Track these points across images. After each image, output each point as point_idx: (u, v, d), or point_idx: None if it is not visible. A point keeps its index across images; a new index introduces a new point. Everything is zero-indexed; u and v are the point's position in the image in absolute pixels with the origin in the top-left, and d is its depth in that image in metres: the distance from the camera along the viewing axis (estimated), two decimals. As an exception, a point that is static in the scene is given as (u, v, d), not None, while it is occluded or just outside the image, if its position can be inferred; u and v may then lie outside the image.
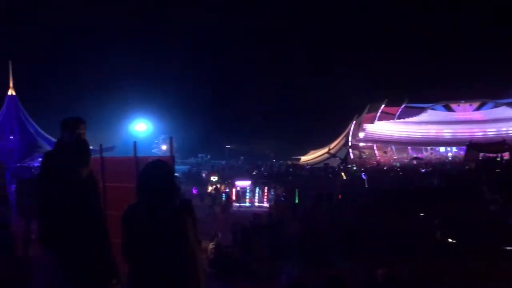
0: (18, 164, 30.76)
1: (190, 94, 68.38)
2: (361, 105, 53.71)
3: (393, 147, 52.68)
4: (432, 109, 56.32)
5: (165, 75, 71.12)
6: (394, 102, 54.82)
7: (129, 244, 2.60)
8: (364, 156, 48.36)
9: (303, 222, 10.30)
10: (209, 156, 49.04)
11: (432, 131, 52.88)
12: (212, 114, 66.36)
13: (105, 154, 6.27)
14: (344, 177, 22.42)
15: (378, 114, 54.35)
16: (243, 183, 20.75)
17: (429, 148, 51.91)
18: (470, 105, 55.49)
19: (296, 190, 16.06)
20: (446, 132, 52.17)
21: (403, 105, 56.16)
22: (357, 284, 5.74)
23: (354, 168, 30.21)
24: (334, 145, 53.60)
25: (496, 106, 53.61)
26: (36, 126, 42.36)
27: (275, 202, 17.65)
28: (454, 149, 49.40)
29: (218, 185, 21.42)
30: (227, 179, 23.29)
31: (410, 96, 55.11)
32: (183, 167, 33.19)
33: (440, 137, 51.99)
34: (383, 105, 54.39)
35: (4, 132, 38.61)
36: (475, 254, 7.30)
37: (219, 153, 52.28)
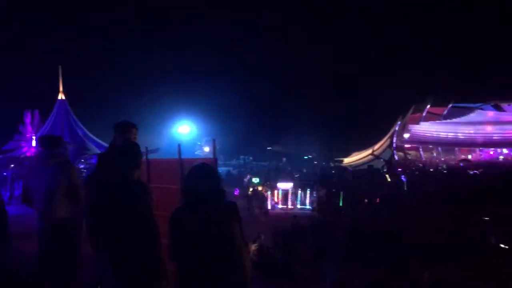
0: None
1: (232, 96, 68.91)
2: (406, 106, 52.41)
3: (439, 148, 51.13)
4: (481, 109, 54.12)
5: (208, 78, 71.99)
6: (440, 102, 53.14)
7: (177, 246, 2.64)
8: (409, 158, 47.18)
9: (347, 225, 10.16)
10: (251, 158, 49.21)
11: (480, 132, 50.92)
12: (254, 116, 66.57)
13: (150, 156, 6.40)
14: (389, 179, 21.93)
15: (424, 114, 52.85)
16: (285, 185, 20.65)
17: (478, 149, 50.04)
18: (523, 104, 53.06)
19: (341, 193, 15.85)
20: (496, 133, 50.12)
21: (450, 105, 54.31)
22: (401, 288, 5.60)
23: (399, 169, 29.51)
24: (378, 146, 52.62)
25: (550, 105, 51.11)
26: (84, 129, 43.89)
27: (318, 204, 17.49)
28: (504, 150, 47.44)
29: (260, 187, 21.41)
30: (269, 180, 23.25)
31: (457, 95, 53.27)
32: (225, 169, 33.45)
33: (489, 138, 49.98)
34: (428, 106, 52.85)
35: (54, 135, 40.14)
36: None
37: (261, 155, 52.38)
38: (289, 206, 19.57)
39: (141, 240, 3.20)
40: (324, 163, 43.51)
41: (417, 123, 52.31)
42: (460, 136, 51.30)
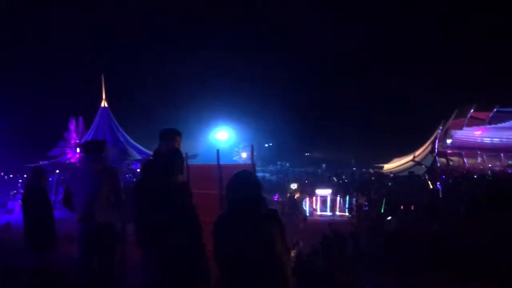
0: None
1: (270, 103, 68.99)
2: (448, 110, 50.96)
3: (484, 154, 49.37)
4: (527, 113, 51.93)
5: (245, 84, 72.44)
6: (484, 106, 51.33)
7: (220, 252, 2.66)
8: (452, 164, 45.78)
9: (387, 232, 9.95)
10: (288, 164, 49.04)
11: (529, 136, 48.81)
12: (292, 122, 66.37)
13: (190, 162, 6.47)
14: (431, 186, 21.36)
15: (467, 119, 51.22)
16: (324, 191, 20.48)
17: (525, 155, 47.98)
18: None
19: (384, 199, 15.56)
20: (546, 137, 47.93)
21: (495, 110, 52.37)
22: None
23: (443, 176, 28.66)
24: (419, 152, 51.34)
25: None
26: (126, 135, 44.98)
27: (357, 211, 17.25)
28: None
29: (298, 193, 21.31)
30: (307, 187, 23.11)
31: (502, 99, 51.32)
32: (262, 175, 33.48)
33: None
34: (472, 110, 51.17)
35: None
36: None
37: (299, 161, 52.15)
38: (328, 213, 19.40)
39: (184, 243, 3.23)
40: (363, 169, 42.86)
41: (460, 128, 50.72)
42: (506, 141, 49.34)
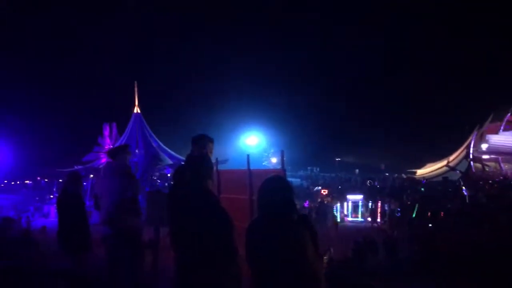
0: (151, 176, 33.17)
1: (300, 108, 68.87)
2: (483, 114, 49.54)
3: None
4: None
5: (276, 90, 72.49)
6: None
7: (252, 256, 2.66)
8: (487, 170, 44.47)
9: (422, 239, 9.71)
10: (318, 169, 48.72)
11: None
12: (323, 127, 65.95)
13: (220, 167, 6.48)
14: (466, 192, 20.80)
15: (504, 123, 49.69)
16: (355, 197, 20.23)
17: None
18: None
19: (416, 205, 15.25)
20: None
21: (533, 114, 50.62)
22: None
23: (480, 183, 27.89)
24: (453, 157, 50.10)
25: None
26: (158, 141, 45.68)
27: (390, 217, 16.97)
28: None
29: (329, 199, 21.13)
30: (338, 192, 22.89)
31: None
32: (293, 180, 33.33)
33: None
34: (509, 114, 49.62)
35: (130, 146, 42.14)
36: None
37: (329, 166, 51.69)
38: (359, 219, 19.14)
39: (216, 247, 3.23)
40: (395, 174, 42.14)
41: (496, 133, 49.25)
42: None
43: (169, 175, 36.03)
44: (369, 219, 18.81)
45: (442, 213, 13.97)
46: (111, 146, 39.46)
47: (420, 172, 49.72)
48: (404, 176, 39.94)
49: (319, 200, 20.73)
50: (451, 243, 8.79)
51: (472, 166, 44.98)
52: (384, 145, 56.67)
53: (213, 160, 5.27)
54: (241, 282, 3.40)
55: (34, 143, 45.54)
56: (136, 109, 46.22)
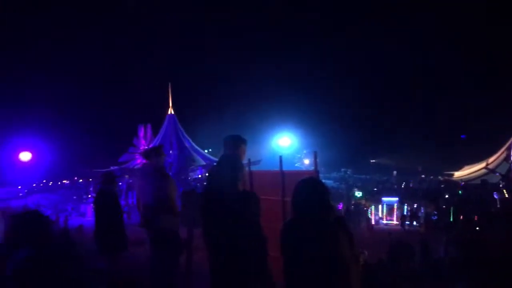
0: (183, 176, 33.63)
1: (333, 108, 68.24)
2: (524, 114, 47.81)
3: None
4: None
5: (309, 90, 72.17)
6: None
7: (287, 258, 2.65)
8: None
9: (459, 242, 9.44)
10: (350, 171, 48.12)
11: None
12: (357, 128, 65.18)
13: (252, 168, 6.47)
14: (507, 195, 20.13)
15: (546, 124, 47.81)
16: (390, 200, 19.88)
17: None
18: None
19: (452, 208, 14.87)
20: None
21: None
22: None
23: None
24: (492, 159, 48.55)
25: None
26: (191, 142, 46.23)
27: (425, 221, 16.63)
28: None
29: (363, 201, 20.85)
30: (372, 195, 22.56)
31: None
32: (326, 182, 33.04)
33: None
34: (552, 114, 47.73)
35: (164, 147, 42.88)
36: None
37: (363, 168, 50.97)
38: (394, 221, 18.81)
39: (249, 250, 3.23)
40: (431, 177, 41.19)
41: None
42: None
43: (200, 175, 36.38)
44: (407, 222, 18.47)
45: (480, 216, 13.58)
46: (146, 147, 40.18)
47: (457, 174, 48.42)
48: (441, 178, 38.96)
49: (353, 202, 20.51)
50: (491, 248, 8.51)
51: (513, 169, 43.56)
52: (421, 146, 55.51)
53: (246, 161, 5.27)
54: (273, 283, 3.38)
55: (71, 144, 46.83)
56: (170, 111, 46.94)
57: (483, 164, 48.61)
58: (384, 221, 19.12)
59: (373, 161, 55.17)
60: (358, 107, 69.67)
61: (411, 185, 30.61)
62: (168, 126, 46.24)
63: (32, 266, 2.61)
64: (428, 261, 8.33)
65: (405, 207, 19.05)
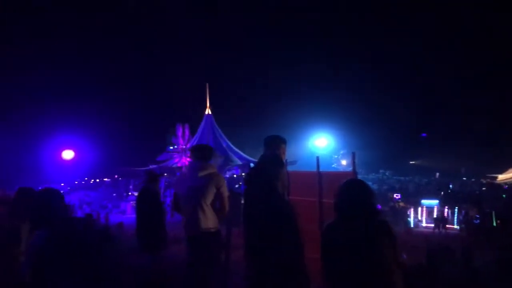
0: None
1: (371, 108, 67.21)
2: None
3: None
4: None
5: (345, 90, 71.34)
6: None
7: (329, 261, 2.63)
8: None
9: (502, 248, 9.10)
10: (389, 173, 47.24)
11: None
12: (396, 128, 63.87)
13: (289, 168, 6.45)
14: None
15: None
16: (430, 202, 19.40)
17: None
18: None
19: (493, 213, 14.37)
20: None
21: None
22: None
23: None
24: (538, 162, 46.67)
25: None
26: (228, 141, 46.58)
27: (467, 225, 16.15)
28: None
29: (401, 203, 20.44)
30: (412, 197, 22.09)
31: None
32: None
33: None
34: None
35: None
36: None
37: (403, 169, 49.94)
38: (433, 225, 18.34)
39: (286, 250, 3.22)
40: (473, 179, 39.93)
41: None
42: None
43: (235, 175, 36.57)
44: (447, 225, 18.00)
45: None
46: (184, 146, 40.73)
47: (501, 177, 46.73)
48: (483, 181, 37.71)
49: (391, 204, 20.14)
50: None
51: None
52: (463, 148, 53.80)
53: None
54: (309, 284, 3.35)
55: (112, 143, 48.03)
56: (208, 111, 47.48)
57: (528, 167, 46.77)
58: (424, 224, 18.68)
59: (413, 162, 53.98)
60: (397, 107, 68.30)
61: (451, 187, 29.75)
62: (205, 126, 46.81)
63: (49, 247, 2.67)
64: (469, 267, 8.07)
65: (446, 210, 18.55)
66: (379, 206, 20.12)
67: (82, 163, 33.61)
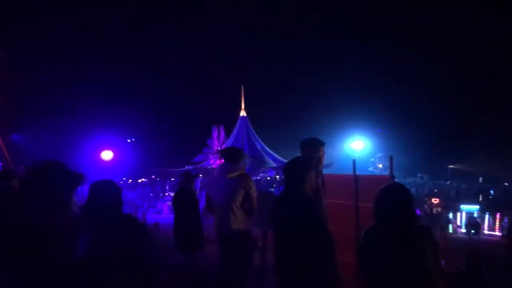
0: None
1: (409, 110, 65.86)
2: None
3: None
4: None
5: (382, 91, 70.19)
6: None
7: (367, 266, 2.60)
8: None
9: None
10: (427, 177, 46.17)
11: None
12: (435, 132, 62.41)
13: (325, 171, 6.40)
14: None
15: None
16: (470, 208, 18.85)
17: None
18: None
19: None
20: None
21: None
22: None
23: None
24: None
25: None
26: (263, 144, 46.66)
27: (509, 231, 15.60)
28: None
29: (440, 209, 19.95)
30: (451, 202, 21.53)
31: None
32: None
33: None
34: None
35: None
36: None
37: (442, 173, 48.71)
38: (474, 231, 17.80)
39: (320, 251, 3.20)
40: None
41: None
42: None
43: (269, 178, 36.55)
44: (486, 232, 17.44)
45: None
46: (219, 148, 41.08)
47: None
48: (527, 185, 36.33)
49: (428, 209, 19.70)
50: None
51: None
52: (506, 152, 51.95)
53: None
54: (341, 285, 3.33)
55: (149, 144, 48.94)
56: (243, 112, 47.68)
57: None
58: (463, 230, 18.17)
59: (452, 166, 52.56)
60: (436, 109, 66.73)
61: (492, 193, 28.80)
62: (240, 128, 47.05)
63: (100, 249, 2.70)
64: (511, 275, 7.80)
65: (487, 216, 17.99)
66: (417, 211, 19.74)
67: (121, 164, 34.33)
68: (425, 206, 20.42)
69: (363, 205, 5.06)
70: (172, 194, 14.15)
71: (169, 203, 19.80)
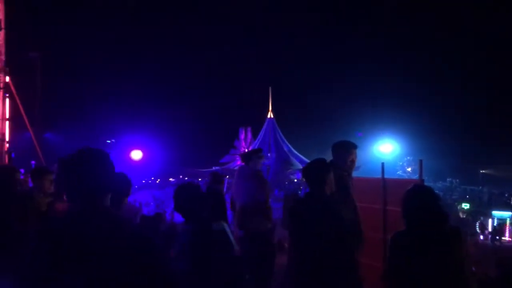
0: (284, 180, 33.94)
1: (439, 114, 64.65)
2: None
3: None
4: None
5: (412, 94, 69.11)
6: None
7: (398, 269, 2.61)
8: None
9: None
10: (457, 181, 45.18)
11: None
12: (466, 136, 61.05)
13: (352, 174, 6.39)
14: None
15: None
16: (502, 214, 18.39)
17: None
18: None
19: None
20: None
21: None
22: None
23: None
24: None
25: None
26: (289, 145, 46.61)
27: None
28: None
29: (469, 214, 19.54)
30: (482, 208, 21.05)
31: None
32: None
33: None
34: None
35: (263, 150, 43.92)
36: None
37: (473, 178, 47.57)
38: (506, 238, 17.36)
39: (345, 252, 3.22)
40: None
41: None
42: None
43: (296, 180, 36.44)
44: (497, 237, 17.01)
45: None
46: (246, 149, 41.23)
47: None
48: None
49: (458, 214, 19.32)
50: None
51: None
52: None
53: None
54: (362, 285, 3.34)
55: (177, 144, 49.54)
56: (270, 114, 47.76)
57: None
58: (496, 237, 17.75)
59: (483, 171, 51.26)
60: (467, 113, 65.27)
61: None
62: (267, 130, 47.14)
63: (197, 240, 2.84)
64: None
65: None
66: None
67: (150, 164, 34.83)
68: (458, 212, 20.04)
69: (391, 209, 5.04)
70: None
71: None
